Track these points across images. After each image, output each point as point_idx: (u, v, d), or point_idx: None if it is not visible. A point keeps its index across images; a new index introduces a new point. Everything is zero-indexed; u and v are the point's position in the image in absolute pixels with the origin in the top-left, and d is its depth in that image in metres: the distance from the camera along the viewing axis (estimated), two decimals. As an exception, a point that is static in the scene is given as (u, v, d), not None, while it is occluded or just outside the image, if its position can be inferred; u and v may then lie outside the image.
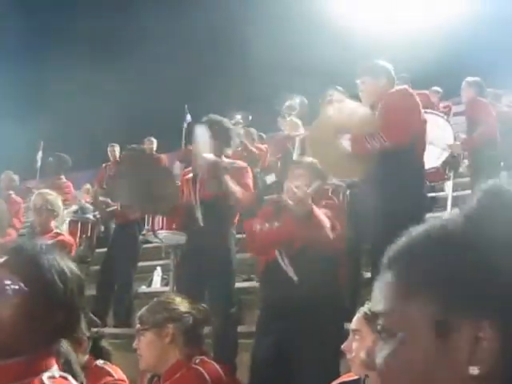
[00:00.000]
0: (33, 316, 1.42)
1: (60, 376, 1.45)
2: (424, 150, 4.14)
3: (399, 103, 4.01)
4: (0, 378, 1.39)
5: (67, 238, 4.97)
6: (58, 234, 4.82)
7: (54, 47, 13.18)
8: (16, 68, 13.13)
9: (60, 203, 4.99)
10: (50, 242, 4.51)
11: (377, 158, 3.87)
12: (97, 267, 6.46)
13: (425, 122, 4.16)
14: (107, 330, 5.04)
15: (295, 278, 3.43)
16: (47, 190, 5.23)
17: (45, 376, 1.42)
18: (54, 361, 1.48)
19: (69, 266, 1.53)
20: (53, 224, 4.85)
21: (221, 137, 4.52)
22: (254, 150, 8.05)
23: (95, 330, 3.50)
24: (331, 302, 3.43)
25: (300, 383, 3.31)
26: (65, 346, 1.61)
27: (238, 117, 8.85)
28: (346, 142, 3.98)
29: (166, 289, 5.56)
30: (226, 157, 4.58)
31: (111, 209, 6.45)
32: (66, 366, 1.65)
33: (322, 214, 3.43)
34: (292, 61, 12.01)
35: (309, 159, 4.00)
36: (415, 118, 4.04)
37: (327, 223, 3.40)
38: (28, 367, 1.41)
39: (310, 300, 3.34)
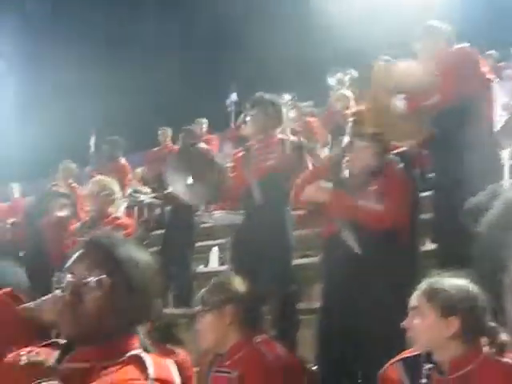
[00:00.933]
0: (113, 305, 1.51)
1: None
2: (491, 107, 4.05)
3: (454, 60, 3.95)
4: (94, 359, 1.49)
5: (126, 221, 5.04)
6: (117, 219, 4.88)
7: (104, 34, 13.37)
8: (65, 54, 13.34)
9: (116, 187, 5.03)
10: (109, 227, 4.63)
11: (433, 117, 3.81)
12: (154, 249, 6.54)
13: (488, 80, 4.06)
14: (167, 311, 5.11)
15: (358, 252, 3.40)
16: (102, 177, 5.30)
17: (132, 354, 1.51)
18: (137, 342, 1.57)
19: (142, 255, 1.62)
20: (110, 209, 4.92)
21: (272, 115, 4.48)
22: (308, 124, 7.97)
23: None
24: (395, 274, 3.36)
25: (365, 358, 3.28)
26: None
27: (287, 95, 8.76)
28: (400, 103, 3.92)
29: (224, 268, 5.60)
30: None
31: (167, 191, 6.49)
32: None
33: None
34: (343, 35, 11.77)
35: (369, 131, 3.94)
36: (471, 75, 3.95)
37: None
38: (117, 348, 1.51)
39: (374, 273, 3.31)
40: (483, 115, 3.97)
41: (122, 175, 7.69)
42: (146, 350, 1.56)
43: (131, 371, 1.43)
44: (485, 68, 4.13)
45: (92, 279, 1.51)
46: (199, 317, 2.94)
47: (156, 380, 1.41)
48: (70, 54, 13.36)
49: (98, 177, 5.35)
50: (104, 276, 1.51)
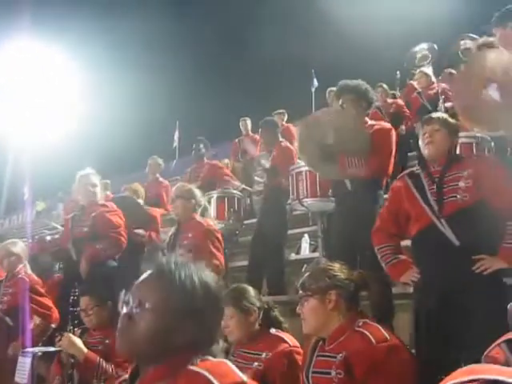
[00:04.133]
0: (164, 327, 1.59)
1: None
2: None
3: None
4: (157, 380, 1.58)
5: (211, 225, 4.97)
6: (200, 223, 4.86)
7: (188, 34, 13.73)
8: (148, 53, 13.74)
9: (196, 191, 5.02)
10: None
11: None
12: (245, 238, 6.68)
13: None
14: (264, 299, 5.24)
15: (456, 243, 3.32)
16: (183, 183, 5.38)
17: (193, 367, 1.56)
18: (196, 360, 1.60)
19: (202, 280, 1.66)
20: (194, 213, 4.91)
21: (357, 101, 4.48)
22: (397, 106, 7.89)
23: (265, 301, 3.70)
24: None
25: (466, 342, 3.26)
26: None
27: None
28: (492, 92, 3.81)
29: (315, 255, 5.67)
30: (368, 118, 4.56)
31: (257, 179, 6.63)
32: None
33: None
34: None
35: (441, 114, 3.87)
36: None
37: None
38: (174, 366, 1.57)
39: (472, 264, 3.25)
40: None
41: (212, 174, 7.93)
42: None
43: None
44: None
45: (144, 303, 1.61)
46: (302, 301, 3.01)
47: None
48: (152, 53, 13.74)
49: (180, 182, 5.46)
50: (156, 300, 1.60)
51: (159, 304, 1.60)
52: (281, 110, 10.23)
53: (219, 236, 4.89)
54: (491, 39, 4.87)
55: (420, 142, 3.70)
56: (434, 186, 3.50)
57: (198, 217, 4.94)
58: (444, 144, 3.59)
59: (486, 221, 3.31)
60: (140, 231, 6.34)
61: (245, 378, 1.52)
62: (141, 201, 6.96)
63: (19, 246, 5.57)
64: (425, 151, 3.64)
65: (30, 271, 5.57)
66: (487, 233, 3.32)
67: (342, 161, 4.27)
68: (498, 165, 3.69)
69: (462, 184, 3.41)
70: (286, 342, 3.38)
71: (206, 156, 8.48)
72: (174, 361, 1.57)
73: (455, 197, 3.40)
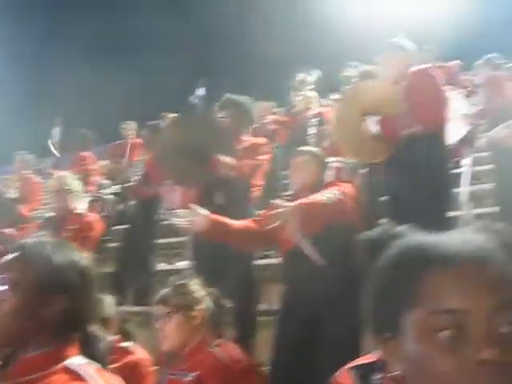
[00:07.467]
0: (31, 312, 1.48)
1: (84, 363, 1.49)
2: (446, 129, 4.10)
3: (424, 84, 3.93)
4: (24, 371, 1.45)
5: (93, 219, 4.93)
6: (81, 216, 4.81)
7: (69, 28, 13.24)
8: (29, 44, 13.15)
9: (75, 182, 4.94)
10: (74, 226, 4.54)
11: (405, 141, 3.83)
12: (114, 244, 6.48)
13: (447, 100, 4.13)
14: (126, 308, 5.08)
15: (319, 262, 3.41)
16: (62, 173, 5.21)
17: (68, 362, 1.46)
18: (74, 350, 1.51)
19: (66, 257, 1.55)
20: (73, 205, 4.84)
21: (238, 117, 4.51)
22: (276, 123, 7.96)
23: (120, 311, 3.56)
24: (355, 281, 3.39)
25: (318, 365, 3.32)
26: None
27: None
28: (370, 124, 3.95)
29: (185, 266, 5.57)
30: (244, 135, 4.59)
31: (130, 184, 6.48)
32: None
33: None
34: (307, 33, 11.82)
35: (312, 148, 4.00)
36: (442, 99, 3.99)
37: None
38: (47, 358, 1.46)
39: (335, 282, 3.36)
40: (444, 136, 4.05)
41: (86, 168, 7.67)
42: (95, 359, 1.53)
43: None
44: (444, 88, 4.19)
45: (7, 286, 1.49)
46: (168, 317, 2.90)
47: None
48: (34, 45, 13.17)
49: (58, 173, 5.25)
50: (17, 281, 1.49)
51: (24, 286, 1.48)
52: (129, 121, 10.08)
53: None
54: (372, 68, 5.07)
55: (289, 173, 3.85)
56: None
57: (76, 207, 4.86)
58: (312, 175, 3.73)
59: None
60: None
61: None
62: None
63: None
64: (292, 182, 3.82)
65: None
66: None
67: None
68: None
69: None
70: (132, 353, 3.28)
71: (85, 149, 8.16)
72: (46, 352, 1.46)
73: None
